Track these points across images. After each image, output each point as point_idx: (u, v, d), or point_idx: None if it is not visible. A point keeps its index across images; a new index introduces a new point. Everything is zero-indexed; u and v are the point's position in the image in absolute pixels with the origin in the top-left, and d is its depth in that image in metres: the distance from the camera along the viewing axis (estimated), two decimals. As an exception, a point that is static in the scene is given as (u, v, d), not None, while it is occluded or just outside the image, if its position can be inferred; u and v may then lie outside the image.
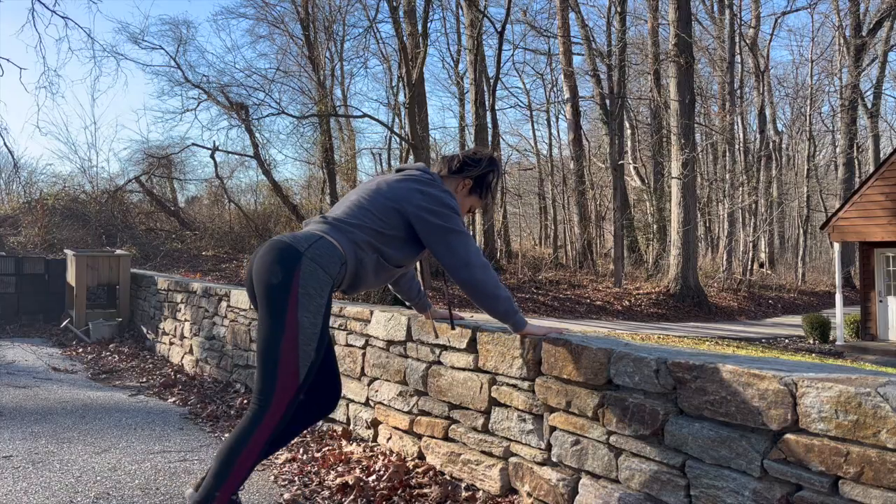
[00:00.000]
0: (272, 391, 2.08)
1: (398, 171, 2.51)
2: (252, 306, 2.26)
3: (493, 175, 2.54)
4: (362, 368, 3.48)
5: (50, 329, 8.39)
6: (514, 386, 2.61)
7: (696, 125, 19.77)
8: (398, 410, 3.20)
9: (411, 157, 16.32)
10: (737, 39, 25.15)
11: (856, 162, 27.41)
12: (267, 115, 18.60)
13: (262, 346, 2.10)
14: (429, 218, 2.27)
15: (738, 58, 26.34)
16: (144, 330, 7.30)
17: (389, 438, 3.27)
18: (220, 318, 5.28)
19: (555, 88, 28.95)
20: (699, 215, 22.90)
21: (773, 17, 33.53)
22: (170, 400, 4.65)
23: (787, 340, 14.63)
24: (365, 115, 17.44)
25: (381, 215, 2.28)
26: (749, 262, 24.44)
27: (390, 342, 3.29)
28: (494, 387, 2.69)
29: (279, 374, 2.08)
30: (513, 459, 2.61)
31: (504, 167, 27.16)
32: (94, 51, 32.91)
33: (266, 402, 2.08)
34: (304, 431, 3.67)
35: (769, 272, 28.21)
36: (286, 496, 2.75)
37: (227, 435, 2.25)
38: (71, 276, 8.28)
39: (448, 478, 2.84)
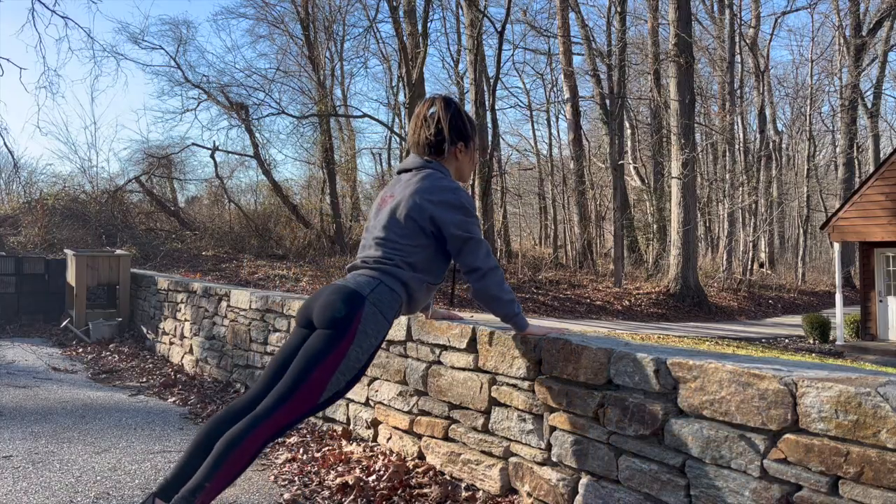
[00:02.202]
0: (288, 399, 2.11)
1: (399, 172, 2.51)
2: (303, 329, 2.34)
3: (457, 117, 2.47)
4: (362, 368, 3.48)
5: (50, 329, 8.39)
6: (514, 386, 2.61)
7: (696, 125, 19.78)
8: (398, 410, 3.20)
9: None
10: (737, 39, 25.14)
11: (856, 162, 27.42)
12: (267, 115, 18.66)
13: (302, 357, 2.16)
14: (445, 228, 2.31)
15: (738, 58, 26.34)
16: (144, 330, 7.30)
17: (389, 438, 3.27)
18: (221, 317, 5.28)
19: (555, 88, 28.99)
20: (699, 215, 22.90)
21: (773, 17, 33.57)
22: (170, 400, 4.65)
23: (787, 340, 14.63)
24: (365, 115, 17.48)
25: (410, 242, 2.33)
26: (749, 262, 24.45)
27: (390, 342, 3.29)
28: (494, 387, 2.69)
29: (303, 387, 2.11)
30: (513, 459, 2.61)
31: (504, 167, 27.27)
32: (94, 51, 32.93)
33: (276, 406, 2.10)
34: (305, 431, 3.67)
35: (769, 272, 28.22)
36: (286, 496, 2.75)
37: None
38: (71, 276, 8.28)
39: (448, 478, 2.84)
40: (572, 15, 22.82)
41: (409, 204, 2.33)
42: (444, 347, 2.94)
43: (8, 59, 22.59)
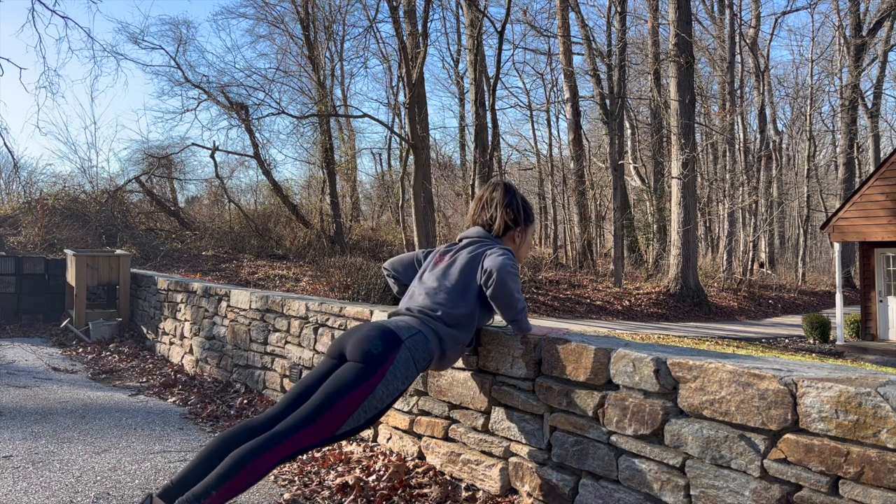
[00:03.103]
0: (307, 425, 2.13)
1: (460, 239, 2.68)
2: (332, 360, 2.41)
3: (517, 204, 2.68)
4: (362, 368, 3.47)
5: (50, 329, 8.39)
6: (515, 386, 2.61)
7: (696, 125, 19.77)
8: (398, 410, 3.20)
9: (411, 156, 16.32)
10: (737, 39, 25.17)
11: (856, 162, 27.41)
12: (267, 115, 18.61)
13: (330, 386, 2.20)
14: (488, 260, 2.45)
15: (738, 58, 26.35)
16: (144, 330, 7.30)
17: (389, 438, 3.27)
18: (221, 317, 5.28)
19: (555, 88, 28.96)
20: (699, 215, 22.89)
21: (773, 17, 33.62)
22: (170, 400, 4.65)
23: (787, 340, 14.63)
24: (365, 115, 17.45)
25: (458, 296, 2.47)
26: (749, 262, 24.45)
27: (390, 342, 3.29)
28: (495, 387, 2.69)
29: (325, 416, 2.15)
30: (513, 459, 2.61)
31: (504, 167, 27.26)
32: (94, 51, 32.88)
33: (294, 430, 2.12)
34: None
35: (769, 272, 28.21)
36: (286, 496, 2.75)
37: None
38: (71, 276, 8.28)
39: (448, 478, 2.84)
40: (572, 15, 22.81)
41: (465, 260, 2.51)
42: (444, 347, 2.94)
43: (8, 59, 22.58)
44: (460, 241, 2.68)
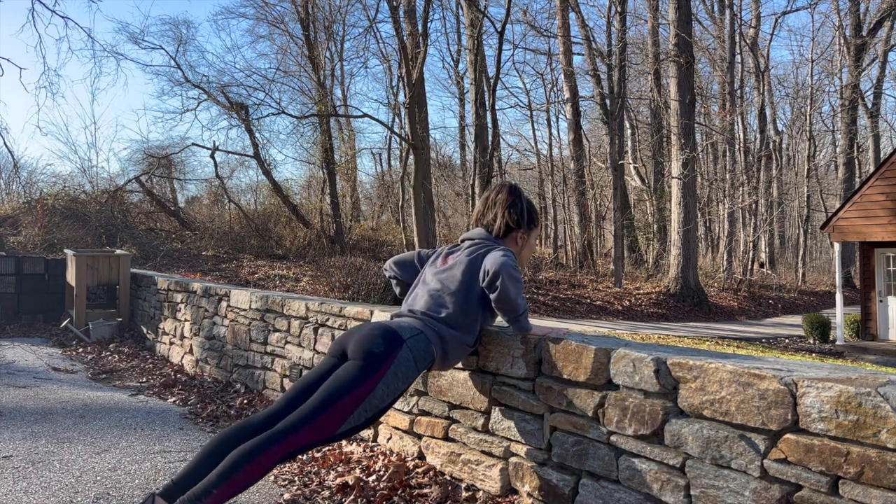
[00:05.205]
0: (308, 423, 2.13)
1: (463, 240, 2.70)
2: (333, 359, 2.42)
3: (522, 207, 2.68)
4: (362, 368, 3.47)
5: (50, 329, 8.39)
6: (515, 386, 2.61)
7: (696, 125, 19.77)
8: (398, 410, 3.20)
9: (411, 156, 16.32)
10: (737, 39, 25.18)
11: (856, 162, 27.40)
12: (267, 115, 18.59)
13: (331, 385, 2.21)
14: (490, 265, 2.41)
15: (738, 58, 26.36)
16: (144, 330, 7.30)
17: (389, 438, 3.27)
18: (221, 317, 5.28)
19: (555, 88, 28.94)
20: (699, 215, 22.89)
21: (774, 17, 33.66)
22: (170, 400, 4.65)
23: (787, 340, 14.63)
24: (365, 115, 17.44)
25: (460, 300, 2.48)
26: (749, 262, 24.44)
27: (390, 342, 3.29)
28: (495, 387, 2.69)
29: (325, 414, 2.15)
30: (513, 459, 2.61)
31: (504, 167, 27.28)
32: (94, 51, 32.83)
33: (295, 429, 2.12)
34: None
35: (769, 272, 28.20)
36: (286, 496, 2.75)
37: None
38: (71, 276, 8.28)
39: (448, 478, 2.84)
40: (572, 15, 22.81)
41: (467, 262, 2.51)
42: (444, 347, 2.94)
43: (8, 59, 22.57)
44: (462, 242, 2.70)
